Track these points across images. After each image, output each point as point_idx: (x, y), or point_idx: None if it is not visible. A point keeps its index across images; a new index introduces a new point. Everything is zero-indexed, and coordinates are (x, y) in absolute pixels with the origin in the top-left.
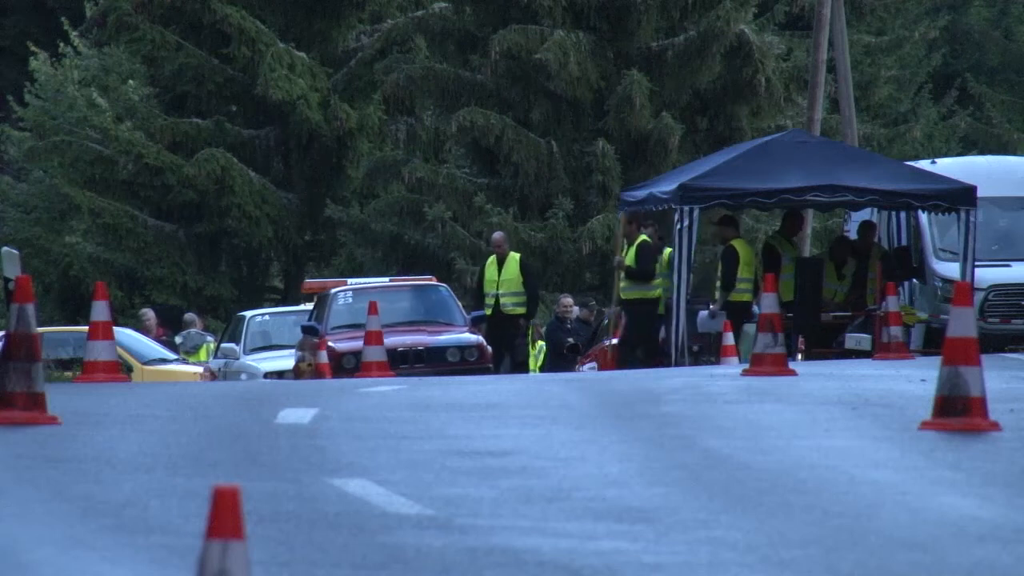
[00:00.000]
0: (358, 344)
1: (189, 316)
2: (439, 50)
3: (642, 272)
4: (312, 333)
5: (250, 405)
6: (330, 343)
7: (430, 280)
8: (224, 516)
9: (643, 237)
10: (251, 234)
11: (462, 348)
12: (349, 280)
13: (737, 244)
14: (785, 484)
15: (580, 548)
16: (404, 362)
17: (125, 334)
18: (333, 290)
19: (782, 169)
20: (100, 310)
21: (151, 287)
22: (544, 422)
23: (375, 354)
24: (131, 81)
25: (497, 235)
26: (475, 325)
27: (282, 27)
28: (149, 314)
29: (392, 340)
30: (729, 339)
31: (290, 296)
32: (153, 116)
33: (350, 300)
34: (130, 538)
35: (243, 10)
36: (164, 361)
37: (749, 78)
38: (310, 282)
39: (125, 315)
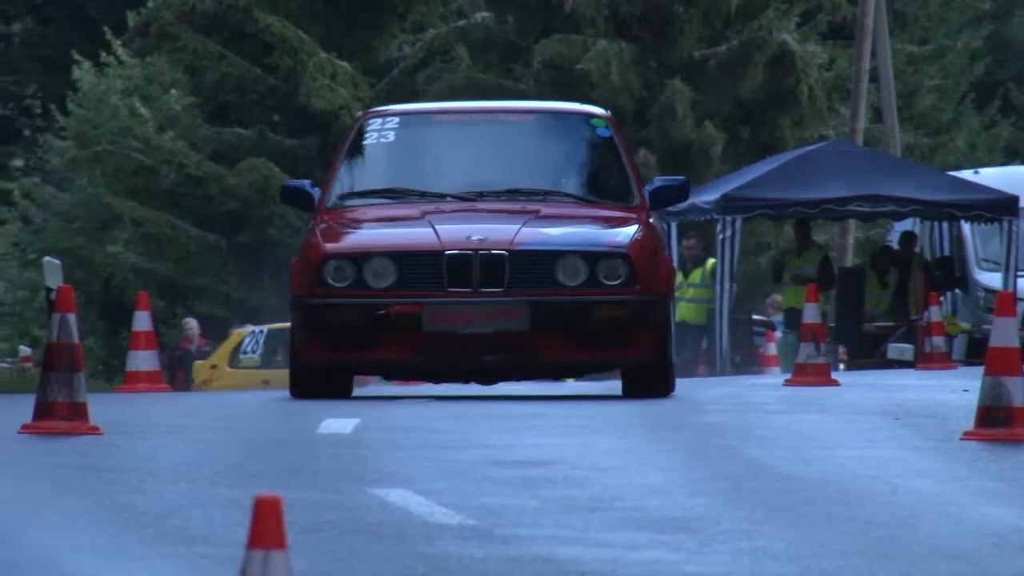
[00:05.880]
0: (365, 238)
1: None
2: (481, 59)
3: None
4: (300, 202)
5: (292, 415)
6: (320, 227)
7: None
8: (266, 526)
9: None
10: (294, 244)
11: (593, 257)
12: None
13: None
14: (827, 494)
15: (622, 558)
16: (465, 283)
17: None
18: (366, 119)
19: (825, 179)
20: (142, 320)
21: (193, 297)
22: (585, 432)
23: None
24: (173, 91)
25: None
26: (659, 205)
27: (324, 37)
28: (192, 324)
29: (459, 229)
30: (772, 350)
31: None
32: (195, 126)
33: (389, 139)
34: (172, 548)
35: (285, 20)
36: None
37: (792, 87)
38: None
39: (167, 325)
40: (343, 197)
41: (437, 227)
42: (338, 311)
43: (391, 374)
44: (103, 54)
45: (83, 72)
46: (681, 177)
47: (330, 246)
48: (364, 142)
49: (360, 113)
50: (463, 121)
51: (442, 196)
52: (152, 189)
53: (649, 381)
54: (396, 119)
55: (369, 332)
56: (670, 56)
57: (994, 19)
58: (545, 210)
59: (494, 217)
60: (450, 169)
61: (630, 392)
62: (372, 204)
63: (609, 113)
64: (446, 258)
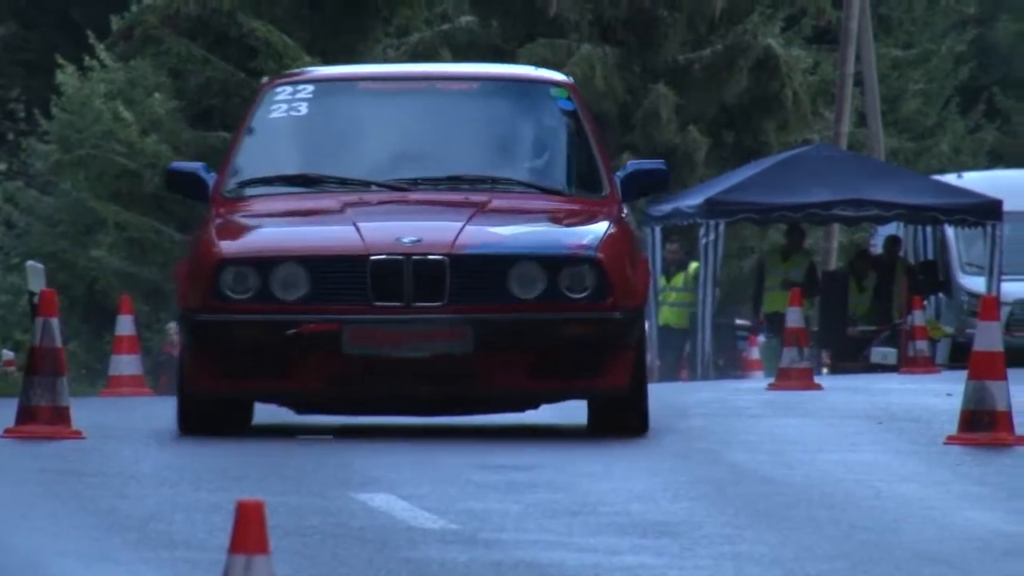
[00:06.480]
0: (271, 239)
1: None
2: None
3: None
4: (190, 190)
5: (275, 419)
6: (215, 223)
7: (538, 74)
8: (248, 530)
9: None
10: None
11: (554, 263)
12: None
13: None
14: (811, 498)
15: (605, 563)
16: (395, 296)
17: None
18: (273, 86)
19: (809, 183)
20: (125, 324)
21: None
22: (569, 436)
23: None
24: (157, 94)
25: None
26: (633, 195)
27: (308, 41)
28: (175, 328)
29: (388, 227)
30: (755, 354)
31: None
32: (179, 130)
33: (301, 111)
34: (154, 552)
35: (269, 24)
36: None
37: (776, 92)
38: None
39: (151, 329)
40: (244, 184)
41: (360, 225)
42: (238, 329)
43: (303, 406)
44: (87, 58)
45: (67, 76)
46: (659, 160)
47: (227, 247)
48: (271, 116)
49: (265, 79)
50: (393, 90)
51: (367, 184)
52: (136, 193)
53: (620, 415)
54: (310, 87)
55: (276, 355)
56: (654, 60)
57: (978, 23)
58: (494, 202)
59: (431, 212)
60: (377, 150)
61: (597, 427)
62: (280, 194)
63: (571, 81)
64: (371, 264)
